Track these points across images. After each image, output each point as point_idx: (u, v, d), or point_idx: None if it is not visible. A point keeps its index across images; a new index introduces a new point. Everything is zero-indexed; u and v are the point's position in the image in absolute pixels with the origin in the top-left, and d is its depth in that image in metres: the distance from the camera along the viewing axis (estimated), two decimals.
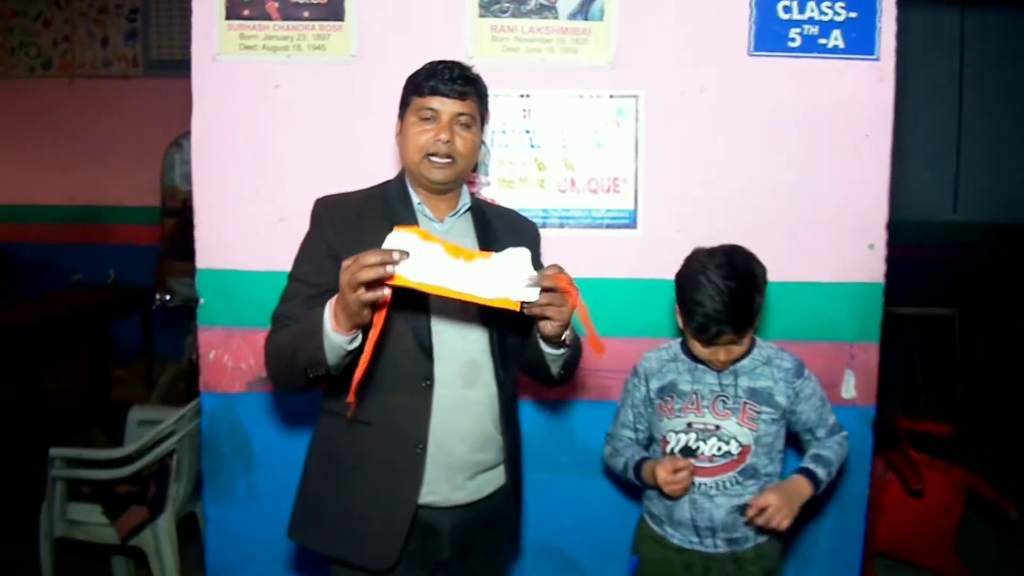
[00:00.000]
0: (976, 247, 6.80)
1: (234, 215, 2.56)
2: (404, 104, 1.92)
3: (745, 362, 2.08)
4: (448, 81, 1.84)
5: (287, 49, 2.52)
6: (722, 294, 1.93)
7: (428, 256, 1.52)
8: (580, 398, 2.61)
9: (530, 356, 1.94)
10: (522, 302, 1.58)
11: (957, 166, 6.88)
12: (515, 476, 2.00)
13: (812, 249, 2.57)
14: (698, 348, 2.03)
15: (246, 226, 2.55)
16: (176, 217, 5.40)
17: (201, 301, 2.59)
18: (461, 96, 1.85)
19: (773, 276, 2.50)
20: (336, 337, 1.61)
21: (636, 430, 2.23)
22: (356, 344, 1.64)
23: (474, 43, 2.52)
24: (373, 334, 1.55)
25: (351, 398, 1.63)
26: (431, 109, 1.85)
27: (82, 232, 6.93)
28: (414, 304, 1.78)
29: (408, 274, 1.50)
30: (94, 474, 3.06)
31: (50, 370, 5.24)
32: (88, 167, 6.83)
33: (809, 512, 2.61)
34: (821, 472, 2.05)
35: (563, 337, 1.76)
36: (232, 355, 2.60)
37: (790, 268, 2.55)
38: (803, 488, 2.03)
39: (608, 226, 2.57)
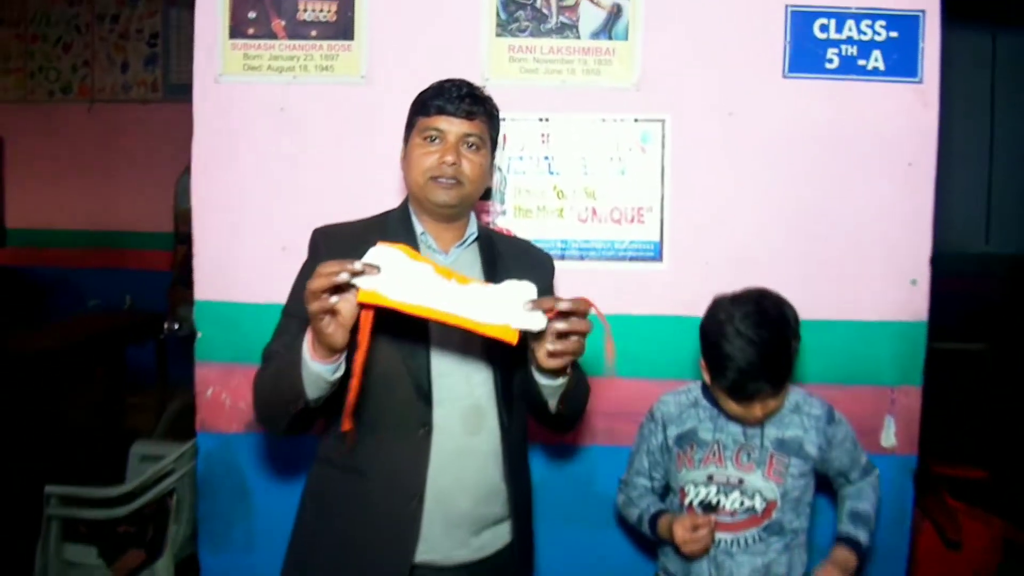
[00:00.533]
0: (1009, 279, 6.64)
1: (235, 244, 2.46)
2: (409, 126, 1.81)
3: None
4: (455, 100, 1.72)
5: (293, 70, 2.42)
6: (755, 345, 1.78)
7: (414, 275, 1.40)
8: (597, 443, 2.47)
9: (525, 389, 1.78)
10: (523, 331, 1.42)
11: (989, 196, 6.73)
12: (523, 531, 1.85)
13: (851, 285, 2.42)
14: (731, 406, 1.88)
15: (247, 256, 2.45)
16: (187, 243, 5.30)
17: (199, 334, 2.49)
18: (468, 116, 1.73)
19: (808, 314, 2.38)
20: (315, 366, 1.49)
21: (652, 478, 2.09)
22: (339, 374, 1.52)
23: (490, 64, 2.41)
24: (359, 357, 1.43)
25: (346, 424, 1.49)
26: (437, 130, 1.73)
27: (100, 256, 6.97)
28: (412, 343, 1.67)
29: (388, 292, 1.37)
30: (89, 513, 2.95)
31: (65, 397, 5.19)
32: (107, 191, 6.90)
33: None
34: (863, 535, 1.98)
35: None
36: (231, 393, 2.48)
37: (827, 306, 2.41)
38: (850, 561, 1.95)
39: (632, 259, 2.44)
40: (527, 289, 1.43)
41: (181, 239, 5.72)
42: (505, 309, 1.41)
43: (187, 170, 5.79)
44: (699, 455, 1.95)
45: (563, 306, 1.45)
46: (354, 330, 1.44)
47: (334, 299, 1.40)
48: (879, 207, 2.42)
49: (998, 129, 6.69)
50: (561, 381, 1.64)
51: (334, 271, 1.38)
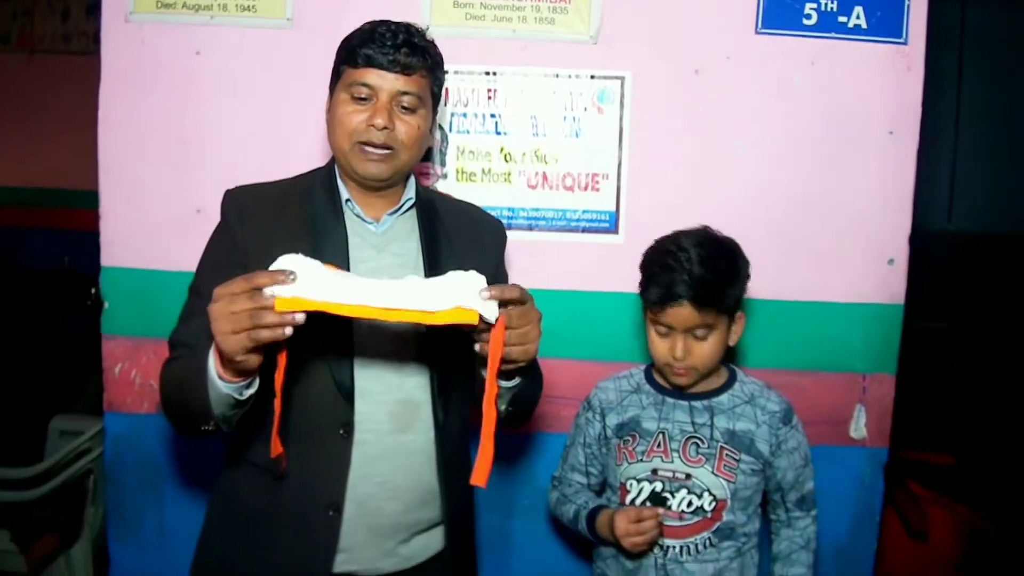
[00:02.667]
0: (971, 259, 6.67)
1: (145, 205, 2.27)
2: (335, 75, 1.61)
3: (723, 398, 1.84)
4: (389, 50, 1.51)
5: (211, 8, 2.22)
6: (689, 258, 1.72)
7: (337, 278, 1.22)
8: (546, 431, 2.32)
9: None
10: (482, 320, 1.26)
11: (953, 173, 6.73)
12: (459, 537, 1.68)
13: (823, 263, 2.29)
14: (655, 344, 1.79)
15: (159, 218, 2.26)
16: None
17: (105, 305, 2.29)
18: (405, 70, 1.53)
19: (777, 294, 2.28)
20: (223, 386, 1.30)
21: (588, 474, 1.96)
22: (250, 391, 1.34)
23: (432, 9, 2.23)
24: (279, 378, 1.30)
25: (275, 451, 1.36)
26: (366, 85, 1.53)
27: (38, 216, 6.72)
28: (334, 336, 1.49)
29: (312, 295, 1.18)
30: (2, 495, 2.83)
31: None
32: (46, 148, 6.61)
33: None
34: None
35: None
36: (141, 369, 2.29)
37: (797, 285, 2.28)
38: None
39: (584, 230, 2.28)
40: (475, 280, 1.27)
41: None
42: (455, 295, 1.25)
43: None
44: (642, 447, 1.83)
45: (511, 294, 1.31)
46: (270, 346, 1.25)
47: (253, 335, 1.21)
48: (856, 178, 2.28)
49: (964, 105, 6.66)
50: (515, 382, 1.49)
51: (244, 289, 1.20)
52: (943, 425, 5.20)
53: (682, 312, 1.71)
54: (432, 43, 1.61)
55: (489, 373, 1.32)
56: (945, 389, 5.21)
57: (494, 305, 1.26)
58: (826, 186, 2.28)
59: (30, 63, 6.57)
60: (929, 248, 6.37)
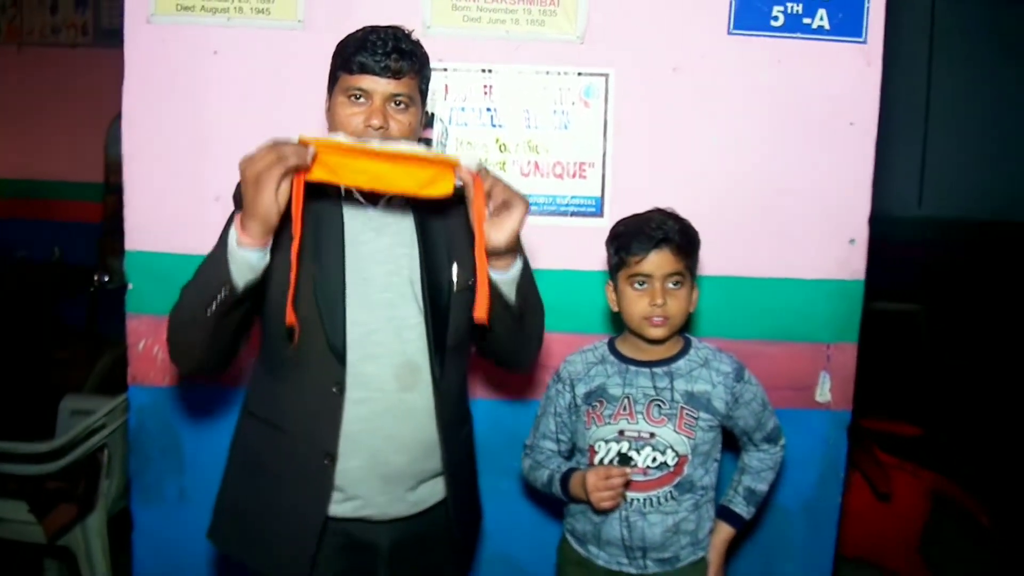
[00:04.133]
0: (941, 243, 6.79)
1: (167, 193, 2.39)
2: (332, 78, 1.73)
3: (681, 363, 1.96)
4: (380, 57, 1.64)
5: (228, 11, 2.34)
6: (663, 219, 1.91)
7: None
8: (539, 398, 2.42)
9: (493, 326, 1.74)
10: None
11: (923, 160, 6.85)
12: (462, 487, 1.85)
13: (790, 243, 2.44)
14: (632, 302, 1.92)
15: (180, 205, 2.38)
16: (118, 194, 5.16)
17: (130, 286, 2.43)
18: (396, 74, 1.65)
19: (748, 271, 2.45)
20: (243, 253, 1.48)
21: (559, 441, 2.07)
22: (265, 262, 1.52)
23: (432, 12, 2.35)
24: (294, 246, 1.51)
25: (289, 318, 1.55)
26: (361, 90, 1.66)
27: (28, 207, 6.72)
28: (331, 302, 1.65)
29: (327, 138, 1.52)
30: (19, 469, 2.89)
31: None
32: (35, 139, 6.62)
33: (779, 524, 2.54)
34: (747, 512, 2.04)
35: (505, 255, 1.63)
36: (163, 345, 2.40)
37: (765, 263, 2.44)
38: (728, 536, 2.04)
39: (573, 214, 2.42)
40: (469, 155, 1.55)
41: (111, 189, 5.58)
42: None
43: (118, 118, 5.68)
44: (609, 411, 1.94)
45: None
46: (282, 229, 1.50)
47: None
48: (821, 166, 2.43)
49: (934, 93, 6.78)
50: (515, 270, 1.65)
51: (276, 140, 1.45)
52: (914, 399, 5.38)
53: (662, 258, 1.86)
54: (418, 45, 1.72)
55: (476, 223, 1.54)
56: (916, 366, 5.40)
57: (475, 157, 1.52)
58: (793, 173, 2.42)
59: (19, 55, 6.55)
60: (899, 233, 6.58)
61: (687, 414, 1.91)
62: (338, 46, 1.71)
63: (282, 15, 2.34)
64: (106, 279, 4.31)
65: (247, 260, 1.48)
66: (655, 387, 1.93)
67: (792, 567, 2.57)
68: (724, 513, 2.03)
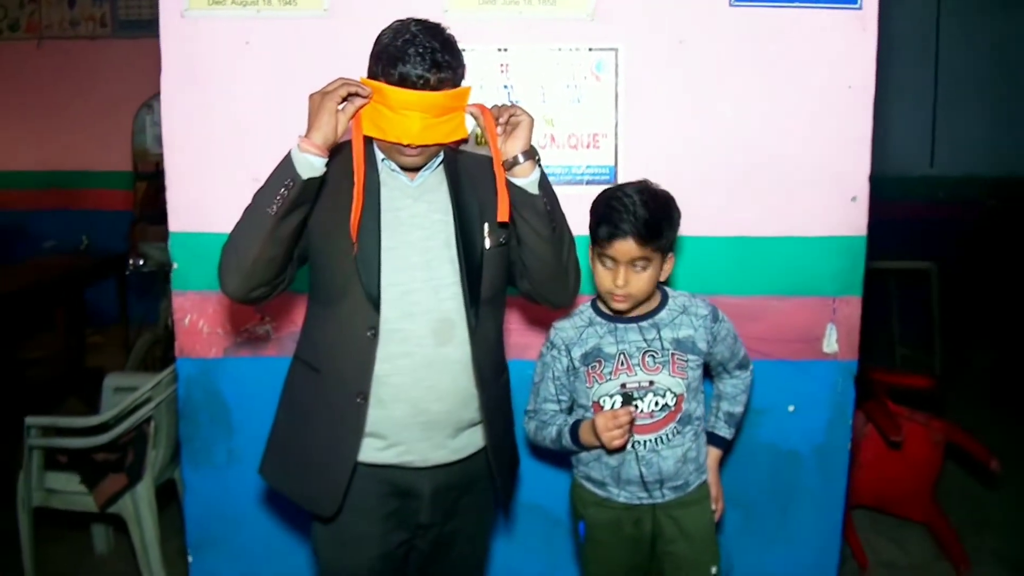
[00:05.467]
0: (953, 202, 6.83)
1: (206, 176, 2.51)
2: (371, 75, 1.77)
3: (663, 314, 2.07)
4: (420, 70, 1.68)
5: (257, 3, 2.45)
6: (633, 202, 1.94)
7: None
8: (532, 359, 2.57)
9: (523, 255, 1.87)
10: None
11: (934, 120, 6.88)
12: (500, 434, 1.97)
13: (795, 203, 2.54)
14: (601, 275, 2.02)
15: (219, 187, 2.49)
16: (148, 180, 5.32)
17: (175, 265, 2.55)
18: (434, 88, 1.70)
19: (755, 231, 2.54)
20: (305, 156, 1.66)
21: (559, 401, 2.16)
22: (323, 171, 1.69)
23: None
24: (357, 139, 1.71)
25: (354, 232, 1.73)
26: None
27: (54, 198, 6.87)
28: (367, 256, 1.78)
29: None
30: (70, 442, 3.04)
31: (25, 339, 5.22)
32: (59, 131, 6.75)
33: (791, 467, 2.67)
34: (729, 434, 2.21)
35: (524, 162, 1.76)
36: (208, 320, 2.57)
37: (772, 223, 2.54)
38: (717, 456, 2.21)
39: (588, 182, 2.53)
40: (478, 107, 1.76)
41: (141, 177, 5.71)
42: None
43: (144, 107, 5.81)
44: (608, 368, 2.05)
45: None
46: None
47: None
48: (821, 128, 2.52)
49: (943, 55, 6.81)
50: (536, 172, 1.78)
51: (343, 82, 1.66)
52: (927, 352, 5.47)
53: (626, 246, 1.92)
54: (455, 49, 1.75)
55: (491, 141, 1.74)
56: (928, 320, 5.47)
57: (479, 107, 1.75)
58: (795, 137, 2.51)
59: (39, 50, 6.66)
60: (912, 191, 6.63)
61: (678, 358, 2.04)
62: (378, 46, 1.74)
63: (308, 5, 2.45)
64: (141, 263, 4.45)
65: (309, 161, 1.65)
66: (645, 339, 2.05)
67: (806, 508, 2.69)
68: (710, 437, 2.19)
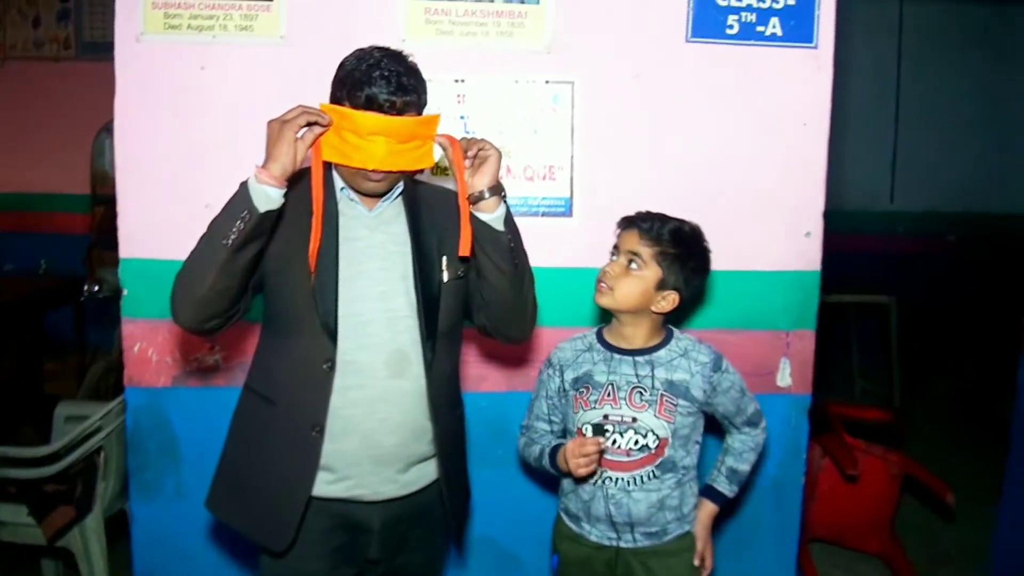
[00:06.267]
0: (913, 236, 6.95)
1: (159, 202, 2.48)
2: (335, 100, 1.77)
3: (662, 353, 2.05)
4: (386, 95, 1.69)
5: (213, 29, 2.44)
6: (652, 213, 2.05)
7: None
8: (516, 390, 2.58)
9: (483, 290, 1.86)
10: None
11: (894, 156, 7.00)
12: (452, 468, 1.95)
13: (750, 238, 2.56)
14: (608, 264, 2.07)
15: (172, 213, 2.47)
16: (106, 205, 5.22)
17: (125, 292, 2.51)
18: (399, 112, 1.71)
19: (712, 266, 2.51)
20: (261, 188, 1.62)
21: (551, 422, 2.17)
22: (281, 202, 1.65)
23: (407, 26, 2.46)
24: (316, 168, 1.68)
25: (312, 263, 1.71)
26: None
27: (14, 220, 6.74)
28: (323, 286, 1.77)
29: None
30: (19, 473, 2.96)
31: None
32: (20, 153, 6.64)
33: (745, 499, 2.66)
34: (729, 491, 2.14)
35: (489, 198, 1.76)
36: (157, 348, 2.53)
37: (727, 257, 2.48)
38: (711, 512, 2.13)
39: (544, 214, 2.54)
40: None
41: (99, 200, 5.62)
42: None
43: (104, 130, 5.74)
44: (595, 396, 2.04)
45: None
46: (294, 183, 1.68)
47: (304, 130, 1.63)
48: (776, 165, 2.55)
49: (903, 93, 6.94)
50: (502, 208, 1.78)
51: (303, 110, 1.62)
52: (885, 385, 5.52)
53: (629, 235, 2.00)
54: (418, 76, 1.76)
55: (458, 175, 1.72)
56: (888, 353, 5.52)
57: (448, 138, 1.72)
58: (751, 172, 2.54)
59: (2, 70, 6.56)
60: (872, 226, 6.71)
61: (667, 400, 2.00)
62: (343, 72, 1.74)
63: (265, 32, 2.44)
64: (96, 289, 4.38)
65: (266, 193, 1.62)
66: (637, 375, 2.02)
67: (761, 541, 2.70)
68: (708, 491, 2.12)
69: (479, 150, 1.74)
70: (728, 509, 2.43)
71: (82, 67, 6.47)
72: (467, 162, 1.74)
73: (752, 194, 2.54)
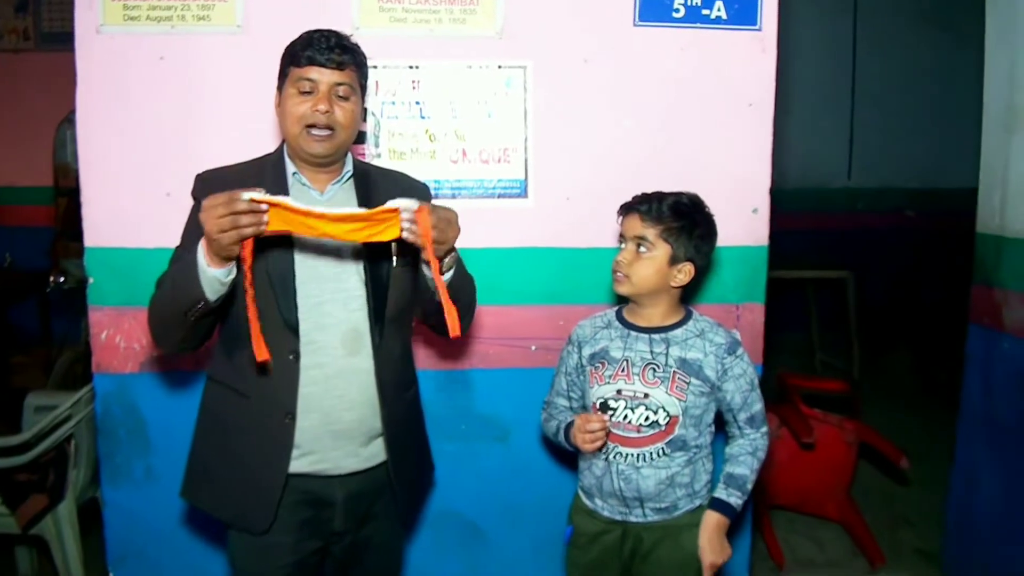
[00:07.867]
0: (871, 212, 7.06)
1: (122, 191, 2.51)
2: (282, 75, 1.90)
3: (678, 332, 2.09)
4: (325, 51, 1.82)
5: (171, 19, 2.47)
6: (654, 193, 2.09)
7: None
8: (477, 367, 2.64)
9: (425, 303, 1.95)
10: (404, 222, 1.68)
11: (851, 133, 7.11)
12: (403, 447, 2.01)
13: None
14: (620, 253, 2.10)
15: (134, 202, 2.51)
16: (69, 196, 5.19)
17: (91, 280, 2.54)
18: (339, 66, 1.83)
19: None
20: (211, 271, 1.66)
21: (570, 398, 2.23)
22: (231, 276, 1.70)
23: (361, 14, 2.50)
24: (249, 290, 1.67)
25: (258, 354, 1.67)
26: (309, 80, 1.83)
27: None
28: (282, 283, 1.83)
29: (286, 202, 1.62)
30: None
31: None
32: None
33: None
34: (736, 499, 2.08)
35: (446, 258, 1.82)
36: (124, 335, 2.56)
37: None
38: (722, 523, 2.07)
39: (500, 196, 2.59)
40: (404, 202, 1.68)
41: (62, 192, 5.58)
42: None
43: (66, 122, 5.69)
44: (609, 371, 2.08)
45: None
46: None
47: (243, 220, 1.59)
48: (724, 144, 2.62)
49: (860, 72, 7.04)
50: (450, 274, 1.85)
51: (231, 198, 1.57)
52: (843, 356, 5.63)
53: (631, 221, 2.05)
54: (357, 45, 1.90)
55: (427, 252, 1.70)
56: (845, 327, 5.63)
57: (413, 201, 1.68)
58: (699, 152, 2.60)
59: None
60: (830, 203, 6.82)
61: (679, 378, 2.03)
62: (288, 47, 1.88)
63: (222, 21, 2.48)
64: (61, 280, 4.38)
65: (216, 276, 1.67)
66: (651, 352, 2.06)
67: None
68: (712, 501, 2.10)
69: (446, 224, 1.76)
70: None
71: (41, 58, 6.38)
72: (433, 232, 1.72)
73: (701, 172, 2.57)
